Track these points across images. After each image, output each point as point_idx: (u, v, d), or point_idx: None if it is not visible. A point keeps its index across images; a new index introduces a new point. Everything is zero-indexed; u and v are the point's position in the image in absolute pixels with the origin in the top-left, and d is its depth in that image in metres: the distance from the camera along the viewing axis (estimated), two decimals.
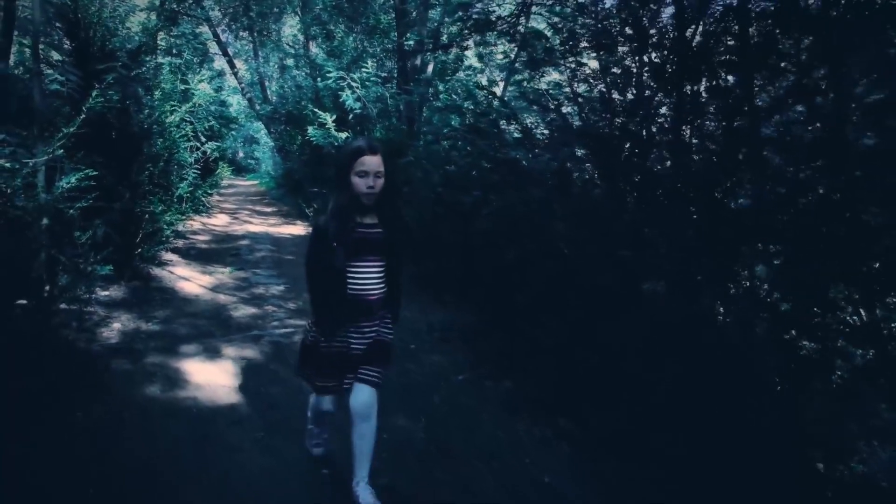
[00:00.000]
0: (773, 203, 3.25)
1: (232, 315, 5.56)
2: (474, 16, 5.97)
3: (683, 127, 3.53)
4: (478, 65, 12.88)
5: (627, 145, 3.38)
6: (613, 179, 3.35)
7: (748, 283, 3.35)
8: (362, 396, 2.64)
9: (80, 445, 3.08)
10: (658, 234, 3.06)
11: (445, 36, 9.81)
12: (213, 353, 4.53)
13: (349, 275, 2.62)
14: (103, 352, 4.34)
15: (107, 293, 5.49)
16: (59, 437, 3.14)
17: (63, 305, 4.42)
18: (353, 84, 9.35)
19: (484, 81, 12.39)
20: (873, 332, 2.88)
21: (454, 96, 10.44)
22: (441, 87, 10.14)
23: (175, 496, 2.75)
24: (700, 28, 3.36)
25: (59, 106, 4.86)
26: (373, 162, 2.55)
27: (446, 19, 9.18)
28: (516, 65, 8.26)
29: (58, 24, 5.65)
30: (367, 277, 2.64)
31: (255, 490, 2.85)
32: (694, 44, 3.26)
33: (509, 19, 5.11)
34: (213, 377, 4.11)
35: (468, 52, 12.34)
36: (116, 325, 4.87)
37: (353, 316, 2.67)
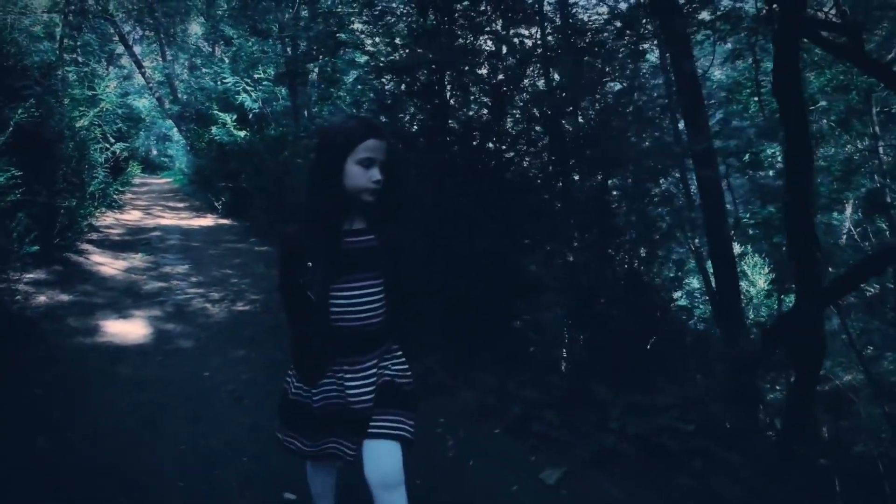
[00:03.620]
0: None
1: (142, 288, 6.73)
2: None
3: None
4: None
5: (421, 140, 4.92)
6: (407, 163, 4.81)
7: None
8: (382, 458, 1.92)
9: (24, 369, 4.27)
10: (432, 199, 4.55)
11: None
12: (125, 315, 5.73)
13: (334, 300, 1.95)
14: (33, 316, 5.46)
15: (31, 275, 6.53)
16: (6, 366, 4.31)
17: None
18: (248, 88, 10.50)
19: None
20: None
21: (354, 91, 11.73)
22: (332, 90, 11.38)
23: (98, 392, 4.00)
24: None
25: None
26: (381, 148, 1.93)
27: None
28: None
29: None
30: (361, 301, 1.97)
31: (155, 387, 4.14)
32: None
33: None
34: (125, 329, 5.32)
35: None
36: (42, 298, 5.96)
37: (342, 353, 2.00)
